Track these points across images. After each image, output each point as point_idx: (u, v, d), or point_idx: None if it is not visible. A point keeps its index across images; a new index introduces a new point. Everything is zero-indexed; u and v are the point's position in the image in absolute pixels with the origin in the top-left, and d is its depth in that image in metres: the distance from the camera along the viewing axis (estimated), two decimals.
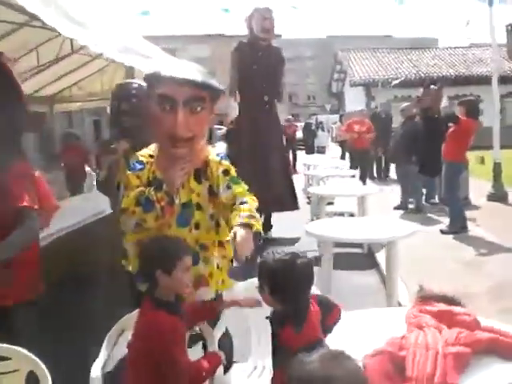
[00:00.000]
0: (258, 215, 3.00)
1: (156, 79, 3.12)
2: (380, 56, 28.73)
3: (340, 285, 5.53)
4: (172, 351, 2.33)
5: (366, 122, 13.98)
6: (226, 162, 3.28)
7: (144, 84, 4.19)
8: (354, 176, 10.06)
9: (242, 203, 3.02)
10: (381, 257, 6.57)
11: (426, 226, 8.36)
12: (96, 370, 2.63)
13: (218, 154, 3.33)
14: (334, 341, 2.30)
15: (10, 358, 2.58)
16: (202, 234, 3.24)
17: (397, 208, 10.23)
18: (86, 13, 4.30)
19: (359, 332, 2.63)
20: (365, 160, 13.67)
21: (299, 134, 21.85)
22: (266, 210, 7.96)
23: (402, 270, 5.86)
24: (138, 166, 3.29)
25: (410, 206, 10.24)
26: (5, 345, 2.60)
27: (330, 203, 9.02)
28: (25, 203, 2.96)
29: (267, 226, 8.41)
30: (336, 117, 28.39)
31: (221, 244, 3.31)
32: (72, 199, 8.25)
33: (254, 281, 2.46)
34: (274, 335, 2.32)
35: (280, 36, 60.87)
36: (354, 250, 7.45)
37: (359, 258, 7.29)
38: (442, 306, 2.53)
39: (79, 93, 11.13)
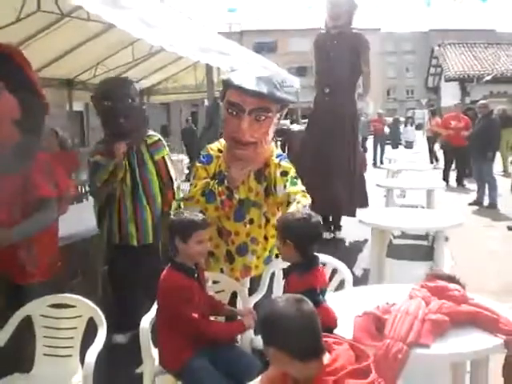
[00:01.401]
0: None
1: (228, 85, 3.55)
2: (477, 51, 27.97)
3: (395, 273, 5.81)
4: (182, 305, 2.81)
5: (464, 117, 13.16)
6: (285, 163, 3.65)
7: (130, 79, 4.51)
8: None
9: (294, 200, 3.36)
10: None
11: (498, 221, 8.48)
12: (145, 322, 3.13)
13: (277, 156, 3.72)
14: (346, 304, 2.83)
15: (74, 306, 3.15)
16: (254, 229, 3.69)
17: (471, 204, 10.26)
18: (160, 16, 4.75)
19: (369, 301, 2.99)
20: (461, 158, 12.90)
21: (387, 129, 21.87)
22: (321, 212, 7.63)
23: (460, 260, 6.13)
24: (207, 160, 3.75)
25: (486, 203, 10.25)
26: (71, 294, 3.18)
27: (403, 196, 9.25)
28: (44, 192, 3.23)
29: (336, 226, 8.11)
30: None
31: (266, 238, 3.74)
32: None
33: None
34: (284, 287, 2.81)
35: (379, 29, 60.19)
36: (420, 242, 7.65)
37: (423, 249, 7.49)
38: (441, 283, 2.85)
39: (174, 85, 11.87)
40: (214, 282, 3.58)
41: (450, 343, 2.46)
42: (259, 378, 2.13)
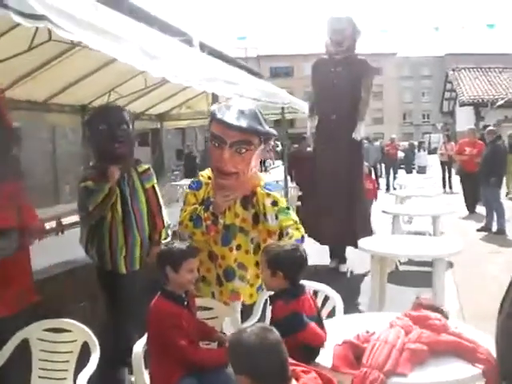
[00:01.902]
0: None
1: (211, 118, 3.73)
2: (491, 75, 27.81)
3: (396, 299, 5.84)
4: (170, 332, 2.89)
5: (480, 143, 12.54)
6: (275, 194, 3.82)
7: (123, 107, 4.59)
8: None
9: (287, 234, 3.54)
10: (447, 275, 6.80)
11: (505, 247, 8.50)
12: (138, 347, 3.22)
13: (265, 186, 3.86)
14: (331, 332, 2.87)
15: (70, 331, 3.25)
16: (241, 255, 3.82)
17: (480, 230, 10.23)
18: (163, 47, 4.86)
19: (354, 329, 3.04)
20: (473, 185, 12.06)
21: (401, 154, 21.95)
22: (323, 242, 7.61)
23: (464, 286, 6.15)
24: (197, 186, 3.93)
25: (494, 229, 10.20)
26: (67, 319, 3.28)
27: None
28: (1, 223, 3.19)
29: (341, 259, 7.97)
30: None
31: (257, 264, 3.77)
32: None
33: None
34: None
35: (395, 54, 60.36)
36: (426, 268, 7.66)
37: (427, 276, 7.50)
38: (424, 312, 2.91)
39: (187, 111, 12.06)
40: (207, 309, 3.66)
41: (429, 372, 2.52)
42: None
